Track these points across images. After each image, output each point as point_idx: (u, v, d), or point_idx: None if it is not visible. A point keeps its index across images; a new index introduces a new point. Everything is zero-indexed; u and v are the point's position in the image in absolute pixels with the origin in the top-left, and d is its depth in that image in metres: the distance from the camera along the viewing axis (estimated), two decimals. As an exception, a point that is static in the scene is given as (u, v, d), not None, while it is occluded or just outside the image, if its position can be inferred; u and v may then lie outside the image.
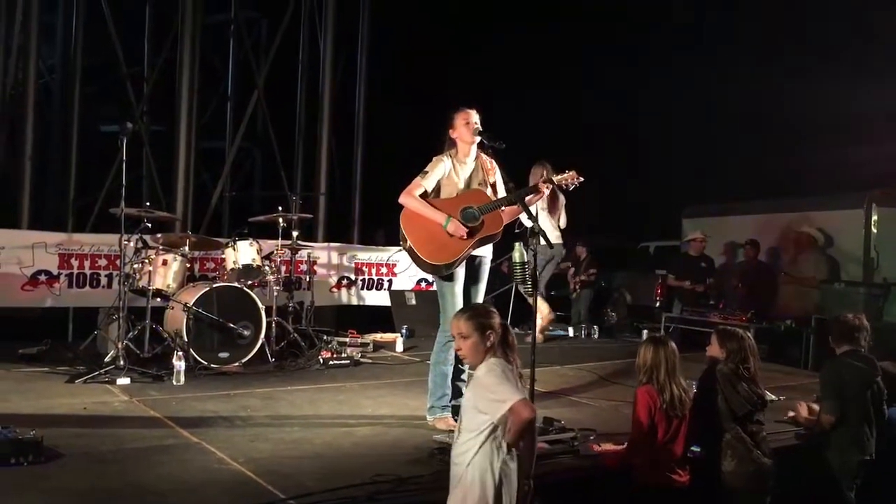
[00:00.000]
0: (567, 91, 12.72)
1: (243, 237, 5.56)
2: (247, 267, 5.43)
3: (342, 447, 3.33)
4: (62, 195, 8.98)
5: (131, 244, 5.06)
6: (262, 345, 5.21)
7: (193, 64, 7.99)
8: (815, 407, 3.81)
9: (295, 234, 5.97)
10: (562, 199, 6.18)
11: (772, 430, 3.53)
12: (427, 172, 3.71)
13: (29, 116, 7.67)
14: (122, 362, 4.55)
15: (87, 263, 5.97)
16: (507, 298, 6.44)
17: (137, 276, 5.00)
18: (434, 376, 3.74)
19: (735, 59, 11.71)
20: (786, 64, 11.31)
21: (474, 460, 2.27)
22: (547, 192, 3.80)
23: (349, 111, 10.01)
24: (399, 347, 6.14)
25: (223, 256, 5.59)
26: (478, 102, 3.80)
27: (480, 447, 2.27)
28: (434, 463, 3.07)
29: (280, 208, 5.87)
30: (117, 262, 5.46)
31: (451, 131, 3.78)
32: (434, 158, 3.77)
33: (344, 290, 7.42)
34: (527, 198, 3.67)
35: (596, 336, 7.56)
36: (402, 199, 3.67)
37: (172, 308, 5.12)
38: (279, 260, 5.82)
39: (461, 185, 3.76)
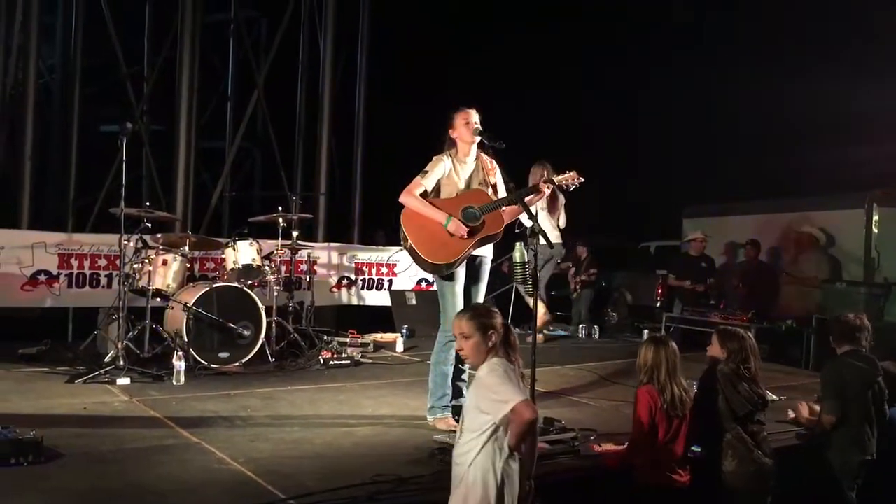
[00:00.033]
0: (567, 91, 12.72)
1: (243, 237, 5.56)
2: (247, 267, 5.43)
3: (342, 447, 3.33)
4: (62, 195, 8.98)
5: (131, 244, 5.06)
6: (263, 345, 5.21)
7: (193, 63, 7.99)
8: (816, 407, 3.81)
9: (295, 234, 5.97)
10: (561, 198, 6.18)
11: (773, 430, 3.53)
12: (427, 172, 3.71)
13: (29, 116, 7.67)
14: (122, 362, 4.54)
15: (86, 263, 5.97)
16: (507, 298, 6.44)
17: (137, 276, 4.99)
18: (434, 376, 3.74)
19: (735, 59, 11.71)
20: (786, 64, 11.32)
21: (476, 460, 2.27)
22: (548, 192, 3.80)
23: (349, 111, 10.01)
24: (399, 347, 6.14)
25: (223, 256, 5.58)
26: (478, 102, 3.80)
27: (482, 447, 2.27)
28: (434, 463, 3.07)
29: (280, 208, 5.87)
30: (117, 262, 5.46)
31: (451, 131, 3.78)
32: (434, 158, 3.76)
33: (344, 290, 7.42)
34: (527, 198, 3.67)
35: (596, 336, 7.55)
36: (403, 199, 3.67)
37: (172, 308, 5.12)
38: (279, 260, 5.81)
39: (461, 185, 3.76)
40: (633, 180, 12.87)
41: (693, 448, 3.18)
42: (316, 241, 8.27)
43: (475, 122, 3.72)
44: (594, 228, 9.71)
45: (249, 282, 5.44)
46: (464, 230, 3.59)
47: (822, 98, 9.92)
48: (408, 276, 7.66)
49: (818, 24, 10.77)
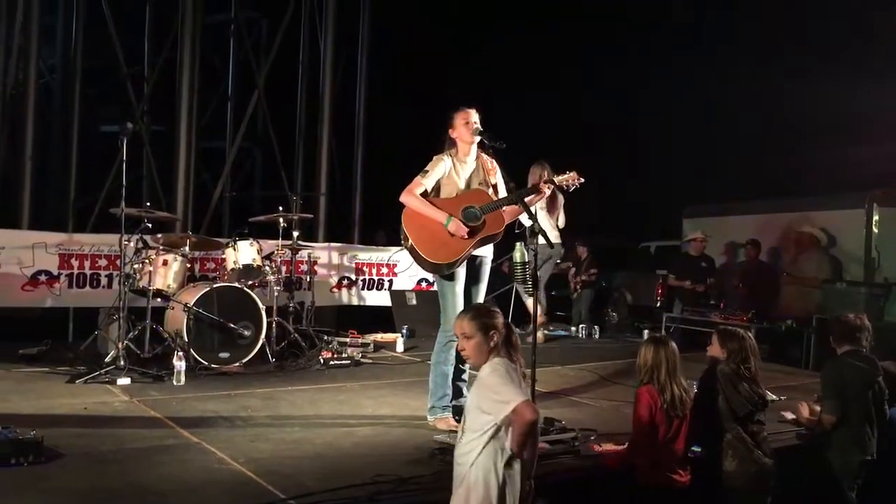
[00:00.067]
0: (567, 91, 12.73)
1: (244, 237, 5.56)
2: (247, 267, 5.43)
3: (343, 447, 3.33)
4: (62, 195, 8.99)
5: (132, 244, 5.06)
6: (263, 345, 5.21)
7: (194, 64, 8.00)
8: (817, 407, 3.81)
9: (295, 234, 5.97)
10: (560, 198, 6.19)
11: (773, 430, 3.53)
12: (427, 171, 3.71)
13: (29, 117, 7.67)
14: (122, 362, 4.54)
15: (87, 263, 5.97)
16: (507, 298, 6.45)
17: (138, 277, 5.00)
18: (435, 376, 3.74)
19: (735, 59, 11.72)
20: (786, 64, 11.32)
21: (478, 460, 2.27)
22: (548, 192, 3.81)
23: (349, 111, 10.02)
24: (399, 347, 6.14)
25: (223, 256, 5.58)
26: (478, 102, 3.80)
27: (484, 447, 2.27)
28: (435, 463, 3.07)
29: (280, 208, 5.87)
30: (117, 262, 5.46)
31: (450, 131, 3.78)
32: (434, 157, 3.77)
33: (344, 291, 7.42)
34: (528, 198, 3.67)
35: (597, 336, 7.55)
36: (403, 198, 3.67)
37: (173, 308, 5.12)
38: (280, 260, 5.82)
39: (462, 185, 3.76)
40: (633, 180, 12.87)
41: (693, 448, 3.18)
42: (316, 241, 8.27)
43: (475, 122, 3.72)
44: (594, 228, 9.71)
45: (250, 282, 5.44)
46: (464, 230, 3.59)
47: (822, 98, 9.92)
48: (408, 276, 7.66)
49: (818, 24, 10.77)
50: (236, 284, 5.26)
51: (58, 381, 4.45)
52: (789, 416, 3.97)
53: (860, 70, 10.40)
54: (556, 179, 3.71)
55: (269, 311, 5.39)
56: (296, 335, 5.60)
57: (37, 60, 7.83)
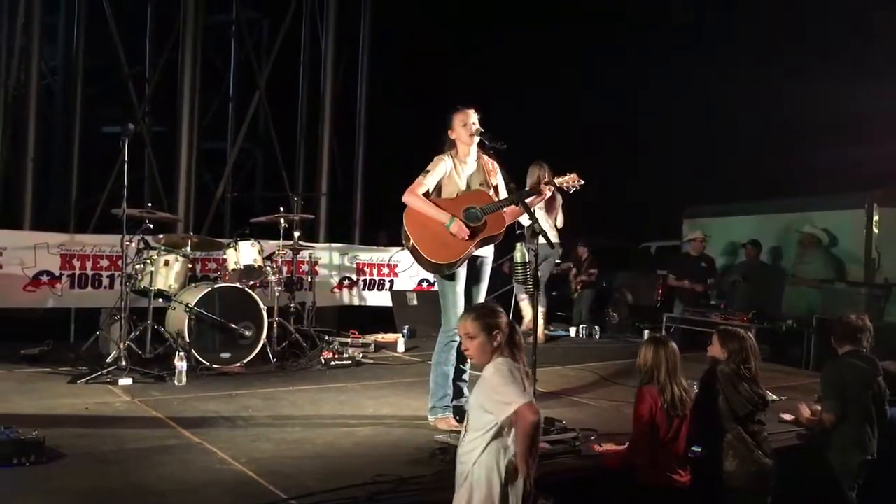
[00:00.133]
0: (567, 91, 12.73)
1: (245, 238, 5.56)
2: (248, 267, 5.44)
3: (343, 447, 3.34)
4: (64, 196, 9.01)
5: (133, 245, 5.07)
6: (264, 345, 5.22)
7: (195, 64, 8.00)
8: (817, 407, 3.81)
9: (296, 234, 5.98)
10: (559, 198, 6.20)
11: (773, 430, 3.53)
12: (429, 171, 3.72)
13: (31, 118, 7.68)
14: (123, 363, 4.55)
15: (88, 264, 5.98)
16: (508, 299, 6.45)
17: (139, 277, 5.01)
18: (435, 376, 3.74)
19: (735, 60, 11.72)
20: (785, 64, 11.32)
21: (480, 459, 2.28)
22: (549, 194, 3.82)
23: (351, 111, 10.02)
24: (400, 348, 6.15)
25: (225, 257, 5.59)
26: (478, 103, 3.80)
27: (487, 446, 2.28)
28: (435, 463, 3.07)
29: (282, 209, 5.88)
30: (119, 262, 5.47)
31: (450, 132, 3.79)
32: (435, 157, 3.77)
33: (345, 291, 7.43)
34: (528, 199, 3.68)
35: (597, 336, 7.55)
36: (406, 198, 3.68)
37: (174, 309, 5.13)
38: (281, 260, 5.82)
39: (462, 185, 3.77)
40: (633, 180, 12.88)
41: (693, 448, 3.18)
42: (317, 241, 8.28)
43: (474, 123, 3.72)
44: (594, 229, 9.71)
45: (251, 282, 5.45)
46: (466, 231, 3.60)
47: (822, 98, 9.92)
48: (409, 276, 7.67)
49: (818, 24, 10.77)
50: (237, 285, 5.26)
51: (59, 382, 4.46)
52: (788, 417, 3.98)
53: (860, 70, 10.41)
54: (557, 181, 3.72)
55: (270, 311, 5.40)
56: (297, 335, 5.61)
57: (38, 61, 7.84)
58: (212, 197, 8.97)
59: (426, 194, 3.69)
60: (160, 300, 5.11)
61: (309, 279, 6.63)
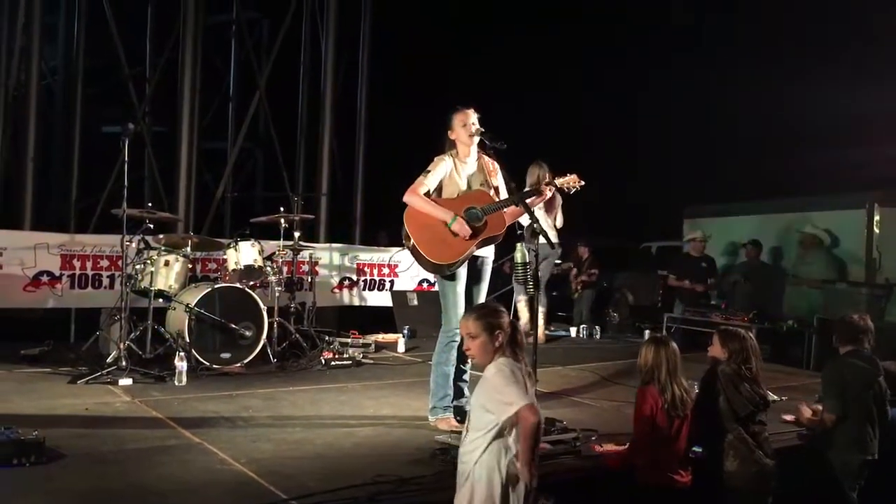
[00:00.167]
0: (567, 92, 12.74)
1: (245, 238, 5.56)
2: (248, 268, 5.44)
3: (344, 448, 3.34)
4: (64, 196, 9.00)
5: (133, 245, 5.07)
6: (264, 345, 5.21)
7: (195, 64, 8.00)
8: (818, 407, 3.81)
9: (297, 234, 5.98)
10: (559, 198, 6.20)
11: (774, 430, 3.53)
12: (430, 171, 3.72)
13: (31, 118, 7.68)
14: (123, 363, 4.55)
15: (89, 264, 5.98)
16: (508, 299, 6.45)
17: (139, 277, 5.00)
18: (436, 377, 3.74)
19: (735, 61, 11.73)
20: (785, 65, 11.33)
21: (482, 459, 2.29)
22: (549, 194, 3.82)
23: (351, 112, 10.02)
24: (401, 348, 6.15)
25: (225, 257, 5.59)
26: (478, 104, 3.80)
27: (488, 446, 2.28)
28: (436, 463, 3.07)
29: (282, 209, 5.88)
30: (119, 262, 5.47)
31: (449, 133, 3.79)
32: (436, 158, 3.77)
33: (346, 291, 7.42)
34: (528, 199, 3.68)
35: (598, 336, 7.55)
36: (407, 198, 3.67)
37: (174, 309, 5.13)
38: (281, 261, 5.82)
39: (463, 186, 3.77)
40: (633, 181, 12.88)
41: (694, 448, 3.18)
42: (318, 241, 8.27)
43: (473, 123, 3.72)
44: (595, 229, 9.71)
45: (251, 282, 5.45)
46: (468, 230, 3.59)
47: (822, 99, 9.93)
48: (409, 276, 7.67)
49: (818, 25, 10.78)
50: (238, 285, 5.26)
51: (59, 382, 4.46)
52: (789, 417, 3.98)
53: (860, 71, 10.42)
54: (558, 182, 3.72)
55: (270, 311, 5.39)
56: (297, 336, 5.60)
57: (39, 61, 7.84)
58: (212, 197, 8.97)
59: (427, 194, 3.69)
60: (160, 300, 5.11)
61: (309, 279, 6.63)
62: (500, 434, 2.28)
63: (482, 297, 3.85)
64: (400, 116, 11.16)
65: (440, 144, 3.84)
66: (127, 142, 4.78)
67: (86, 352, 5.12)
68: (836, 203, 7.80)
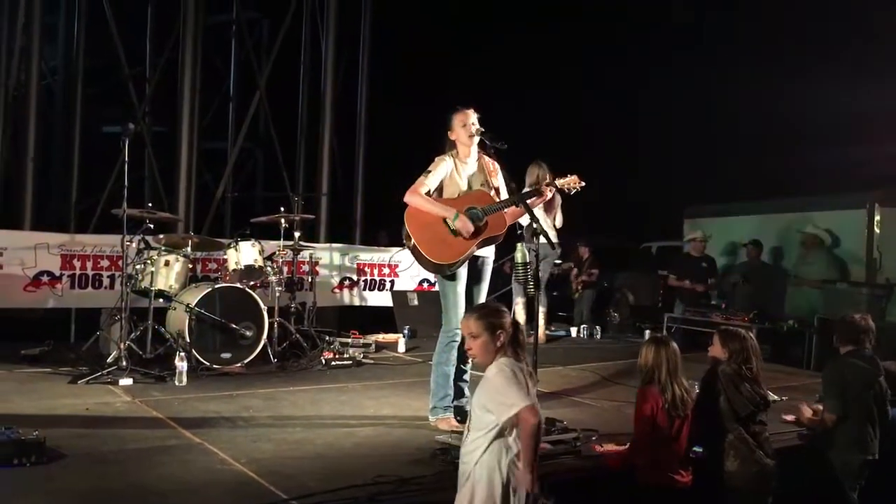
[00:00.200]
0: (567, 91, 12.73)
1: (245, 238, 5.56)
2: (249, 268, 5.44)
3: (344, 448, 3.34)
4: (64, 196, 9.01)
5: (133, 245, 5.07)
6: (265, 345, 5.21)
7: (195, 64, 8.00)
8: (819, 407, 3.81)
9: (297, 234, 5.98)
10: (558, 198, 6.20)
11: (774, 430, 3.53)
12: (430, 171, 3.71)
13: (31, 118, 7.69)
14: (124, 363, 4.55)
15: (89, 264, 5.98)
16: (508, 299, 6.44)
17: (139, 277, 5.01)
18: (436, 377, 3.74)
19: (735, 59, 11.71)
20: (786, 64, 11.32)
21: (482, 459, 2.29)
22: (550, 195, 3.82)
23: (351, 111, 10.02)
24: (401, 348, 6.15)
25: (225, 257, 5.59)
26: (478, 102, 3.80)
27: (489, 446, 2.29)
28: (436, 463, 3.07)
29: (282, 209, 5.88)
30: (119, 262, 5.47)
31: (449, 133, 3.79)
32: (436, 158, 3.77)
33: (346, 291, 7.42)
34: (529, 200, 3.67)
35: (598, 336, 7.55)
36: (408, 198, 3.67)
37: (174, 309, 5.13)
38: (281, 261, 5.82)
39: (463, 186, 3.77)
40: (633, 180, 12.88)
41: (695, 448, 3.18)
42: (318, 241, 8.27)
43: (473, 124, 3.72)
44: (595, 229, 9.71)
45: (251, 282, 5.45)
46: (470, 227, 3.59)
47: (823, 98, 9.92)
48: (409, 276, 7.67)
49: (818, 24, 10.77)
50: (238, 285, 5.26)
51: (60, 382, 4.46)
52: (790, 417, 3.97)
53: (861, 70, 10.40)
54: (558, 183, 3.73)
55: (270, 311, 5.40)
56: (297, 336, 5.60)
57: (39, 61, 7.85)
58: (212, 197, 8.97)
59: (427, 195, 3.69)
60: (161, 300, 5.11)
61: (309, 279, 6.63)
62: (500, 434, 2.29)
63: (483, 297, 3.85)
64: (400, 115, 11.15)
65: (440, 144, 3.83)
66: (127, 142, 4.78)
67: (86, 352, 5.13)
68: (837, 203, 7.79)
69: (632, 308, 9.35)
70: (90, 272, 5.98)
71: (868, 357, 3.67)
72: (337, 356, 5.34)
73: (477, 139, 3.73)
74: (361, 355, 5.57)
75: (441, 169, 3.72)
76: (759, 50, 11.76)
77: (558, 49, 12.47)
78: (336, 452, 3.26)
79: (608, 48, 12.49)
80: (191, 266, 5.42)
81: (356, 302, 7.49)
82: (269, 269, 5.55)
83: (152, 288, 4.96)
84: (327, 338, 5.85)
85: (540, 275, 6.20)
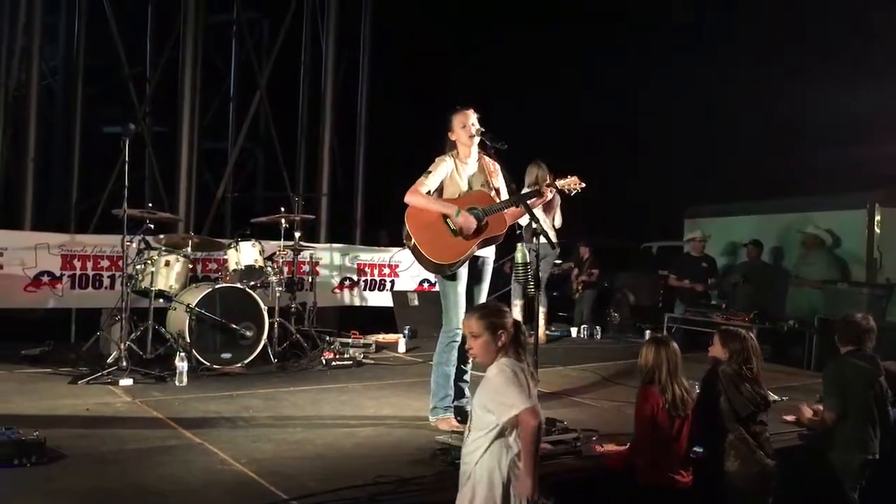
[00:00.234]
0: (567, 91, 12.73)
1: (245, 238, 5.56)
2: (249, 268, 5.44)
3: (344, 448, 3.34)
4: (65, 196, 9.01)
5: (134, 245, 5.07)
6: (265, 346, 5.22)
7: (196, 64, 8.01)
8: (819, 407, 3.81)
9: (297, 234, 5.97)
10: (557, 199, 6.19)
11: (775, 430, 3.53)
12: (431, 172, 3.71)
13: (32, 118, 7.69)
14: (124, 363, 4.55)
15: (89, 264, 5.98)
16: (509, 299, 6.45)
17: (140, 277, 5.01)
18: (436, 377, 3.74)
19: (735, 60, 11.71)
20: (786, 64, 11.32)
21: (483, 459, 2.29)
22: (550, 195, 3.82)
23: (351, 111, 10.02)
24: (401, 348, 6.15)
25: (225, 257, 5.59)
26: (478, 102, 3.80)
27: (489, 446, 2.29)
28: (436, 464, 3.07)
29: (282, 209, 5.88)
30: (120, 263, 5.47)
31: (449, 134, 3.78)
32: (437, 158, 3.77)
33: (346, 291, 7.42)
34: (529, 201, 3.68)
35: (598, 336, 7.55)
36: (408, 198, 3.67)
37: (175, 309, 5.13)
38: (281, 261, 5.82)
39: (464, 187, 3.77)
40: (633, 180, 12.88)
41: (695, 449, 3.18)
42: (318, 241, 8.27)
43: (473, 124, 3.72)
44: (595, 229, 9.71)
45: (252, 283, 5.45)
46: (473, 223, 3.58)
47: (823, 98, 9.92)
48: (410, 276, 7.67)
49: (818, 24, 10.77)
50: (238, 285, 5.26)
51: (60, 382, 4.46)
52: (790, 417, 3.97)
53: (861, 70, 10.40)
54: (559, 184, 3.73)
55: (270, 311, 5.40)
56: (298, 336, 5.61)
57: (39, 61, 7.85)
58: (212, 197, 8.97)
59: (428, 195, 3.69)
60: (161, 300, 5.11)
61: (310, 279, 6.63)
62: (501, 434, 2.29)
63: (483, 298, 3.85)
64: (400, 115, 11.15)
65: (441, 144, 3.83)
66: (127, 142, 4.78)
67: (86, 352, 5.13)
68: (837, 203, 7.79)
69: (632, 308, 9.35)
70: (90, 272, 5.98)
71: (869, 357, 3.67)
72: (337, 356, 5.34)
73: (477, 139, 3.73)
74: (362, 355, 5.57)
75: (441, 169, 3.72)
76: (759, 50, 11.76)
77: (558, 49, 12.47)
78: (336, 453, 3.26)
79: (608, 48, 12.49)
80: (191, 266, 5.42)
81: (356, 302, 7.49)
82: (269, 269, 5.55)
83: (152, 288, 4.97)
84: (328, 338, 5.86)
85: (540, 275, 6.23)
